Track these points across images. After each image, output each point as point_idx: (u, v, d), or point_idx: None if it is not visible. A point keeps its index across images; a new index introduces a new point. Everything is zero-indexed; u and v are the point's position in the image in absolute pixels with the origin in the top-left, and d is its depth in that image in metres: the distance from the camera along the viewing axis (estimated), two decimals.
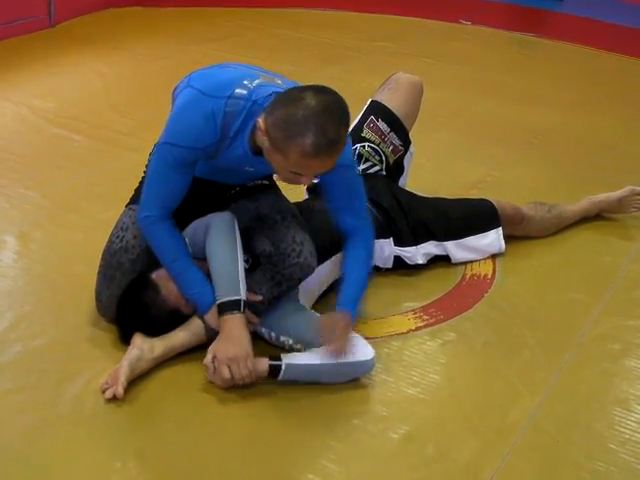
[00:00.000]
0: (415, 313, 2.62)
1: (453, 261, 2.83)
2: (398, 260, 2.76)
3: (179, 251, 2.28)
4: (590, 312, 2.65)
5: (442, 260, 2.83)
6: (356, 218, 2.38)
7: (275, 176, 2.23)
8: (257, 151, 2.18)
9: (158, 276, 2.32)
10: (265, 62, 5.03)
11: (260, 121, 2.06)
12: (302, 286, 2.41)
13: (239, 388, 2.22)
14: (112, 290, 2.39)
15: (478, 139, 3.97)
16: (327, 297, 2.59)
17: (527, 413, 2.20)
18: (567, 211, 3.08)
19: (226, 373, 2.17)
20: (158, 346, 2.26)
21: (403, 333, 2.52)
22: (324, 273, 2.49)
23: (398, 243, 2.74)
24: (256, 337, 2.32)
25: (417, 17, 6.02)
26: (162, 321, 2.30)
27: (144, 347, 2.24)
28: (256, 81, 2.19)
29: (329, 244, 2.50)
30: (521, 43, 5.68)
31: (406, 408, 2.23)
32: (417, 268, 2.79)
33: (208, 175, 2.42)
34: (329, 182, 2.32)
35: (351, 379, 2.27)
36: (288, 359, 2.22)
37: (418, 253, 2.76)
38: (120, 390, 2.15)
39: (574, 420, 2.20)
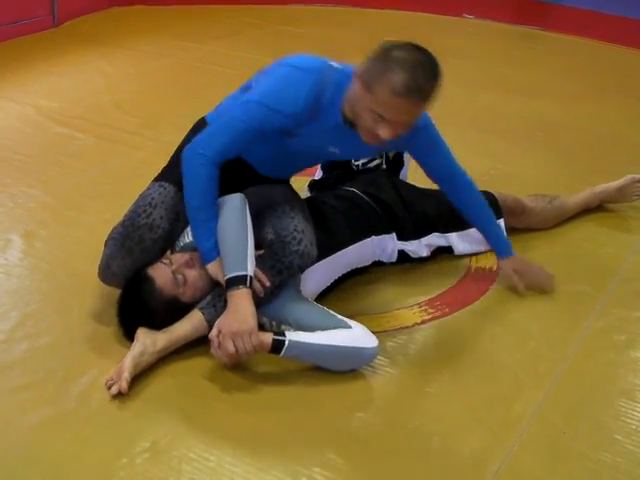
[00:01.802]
0: (420, 306, 2.62)
1: (456, 253, 2.83)
2: (402, 254, 2.76)
3: (210, 201, 2.31)
4: (595, 304, 2.65)
5: (446, 253, 2.83)
6: (448, 169, 2.52)
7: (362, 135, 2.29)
8: (348, 123, 2.27)
9: (152, 269, 2.34)
10: (270, 59, 5.01)
11: (356, 68, 2.19)
12: (302, 285, 2.44)
13: (242, 366, 2.24)
14: (126, 261, 2.41)
15: (482, 132, 3.97)
16: (331, 297, 2.60)
17: (533, 405, 2.20)
18: (569, 202, 3.08)
19: (230, 348, 2.18)
20: (160, 339, 2.27)
21: (409, 327, 2.52)
22: (322, 271, 2.51)
23: (401, 237, 2.74)
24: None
25: (420, 12, 6.01)
26: (161, 311, 2.31)
27: (146, 341, 2.25)
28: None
29: (327, 243, 2.52)
30: (524, 36, 5.66)
31: (411, 401, 2.24)
32: (422, 261, 2.79)
33: (272, 166, 2.49)
34: (417, 151, 2.49)
35: (353, 368, 2.29)
36: (292, 336, 2.23)
37: (421, 246, 2.77)
38: (124, 385, 2.16)
39: (580, 412, 2.20)
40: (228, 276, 2.24)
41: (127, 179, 3.40)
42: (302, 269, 2.37)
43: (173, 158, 2.60)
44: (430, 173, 2.57)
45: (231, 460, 2.01)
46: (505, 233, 2.77)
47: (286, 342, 2.21)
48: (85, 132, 3.85)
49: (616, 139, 3.93)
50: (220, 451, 2.03)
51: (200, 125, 2.56)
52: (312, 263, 2.39)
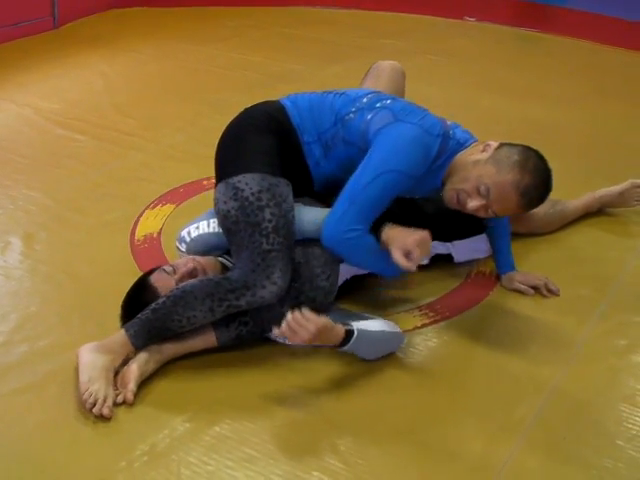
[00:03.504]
0: (420, 310, 2.62)
1: (456, 261, 2.80)
2: None
3: (383, 259, 2.34)
4: (596, 308, 2.64)
5: (445, 261, 2.80)
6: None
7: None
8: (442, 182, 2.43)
9: (155, 278, 2.35)
10: (270, 61, 5.07)
11: (493, 143, 2.38)
12: None
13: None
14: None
15: (483, 135, 3.89)
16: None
17: (534, 409, 2.20)
18: (570, 206, 3.09)
19: (417, 252, 2.26)
20: (167, 348, 2.27)
21: (409, 330, 2.51)
22: None
23: None
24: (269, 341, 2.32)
25: (421, 14, 6.01)
26: None
27: (151, 349, 2.25)
28: (448, 123, 2.51)
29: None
30: (525, 39, 5.67)
31: (412, 406, 2.23)
32: (421, 269, 2.77)
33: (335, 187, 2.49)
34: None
35: (386, 353, 2.36)
36: (355, 325, 2.26)
37: None
38: (130, 396, 2.15)
39: (581, 416, 2.20)
40: None
41: (127, 181, 3.40)
42: (322, 305, 2.39)
43: (228, 150, 2.49)
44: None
45: (230, 464, 2.00)
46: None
47: (355, 331, 2.23)
48: (85, 134, 3.84)
49: (616, 142, 3.92)
50: (219, 455, 2.03)
51: (272, 105, 2.52)
52: (329, 301, 2.46)
